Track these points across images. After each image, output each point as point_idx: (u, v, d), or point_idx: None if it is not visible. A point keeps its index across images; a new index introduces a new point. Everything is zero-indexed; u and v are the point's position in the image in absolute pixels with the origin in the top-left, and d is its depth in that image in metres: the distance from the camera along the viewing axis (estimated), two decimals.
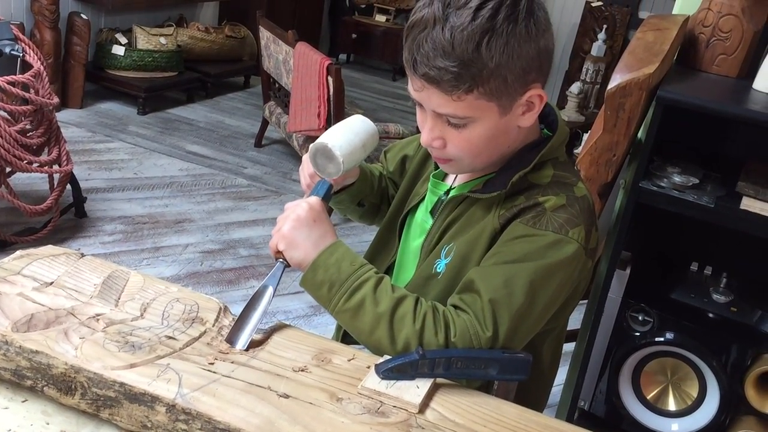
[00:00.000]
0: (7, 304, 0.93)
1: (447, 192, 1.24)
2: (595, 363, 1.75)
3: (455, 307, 1.04)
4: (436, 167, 1.27)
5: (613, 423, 1.74)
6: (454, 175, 1.25)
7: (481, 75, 0.98)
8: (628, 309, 1.69)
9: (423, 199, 1.29)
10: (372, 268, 1.06)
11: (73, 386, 0.84)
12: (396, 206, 1.35)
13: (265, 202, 3.86)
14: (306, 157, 1.21)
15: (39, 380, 0.86)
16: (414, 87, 1.05)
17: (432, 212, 1.24)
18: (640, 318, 1.68)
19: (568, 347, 2.49)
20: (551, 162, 1.14)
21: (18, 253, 1.05)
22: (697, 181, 1.56)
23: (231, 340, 0.96)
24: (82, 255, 1.08)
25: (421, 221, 1.28)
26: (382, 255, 1.35)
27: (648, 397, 1.71)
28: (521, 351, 0.98)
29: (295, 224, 1.08)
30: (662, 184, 1.55)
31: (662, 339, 1.65)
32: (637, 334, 1.68)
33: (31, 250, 1.07)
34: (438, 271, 1.16)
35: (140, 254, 3.12)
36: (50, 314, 0.92)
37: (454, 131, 1.06)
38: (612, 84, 1.50)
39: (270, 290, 1.03)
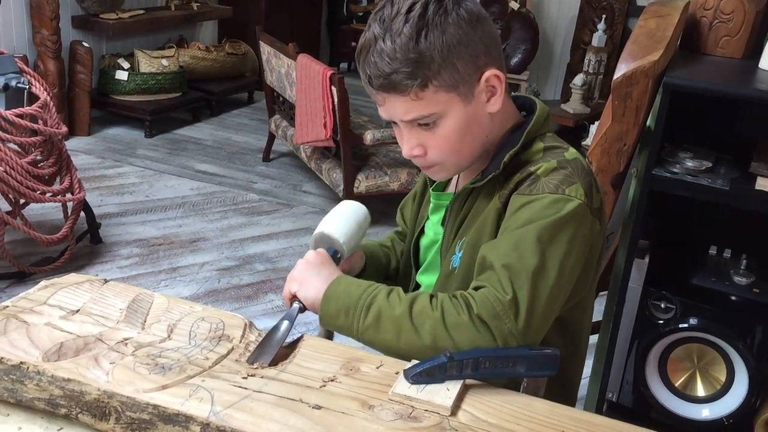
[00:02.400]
0: (36, 334, 0.94)
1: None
2: (620, 354, 1.75)
3: (474, 288, 1.05)
4: (432, 183, 1.30)
5: (643, 412, 1.74)
6: (455, 183, 1.28)
7: (431, 68, 1.04)
8: (650, 297, 1.68)
9: (428, 218, 1.33)
10: (380, 285, 1.09)
11: (107, 411, 0.85)
12: (408, 237, 1.39)
13: (278, 215, 3.87)
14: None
15: (73, 408, 0.86)
16: (378, 104, 1.11)
17: (443, 223, 1.27)
18: (662, 306, 1.67)
19: (592, 339, 2.49)
20: (539, 138, 1.17)
21: (42, 283, 1.07)
22: (710, 164, 1.56)
23: (252, 362, 0.97)
24: (106, 281, 1.09)
25: (434, 235, 1.30)
26: (404, 284, 1.38)
27: (676, 385, 1.70)
28: (548, 347, 0.98)
29: (305, 266, 1.14)
30: (675, 170, 1.54)
31: (686, 325, 1.64)
32: (661, 322, 1.67)
33: (55, 280, 1.08)
34: (454, 266, 1.19)
35: (158, 276, 3.14)
36: (79, 342, 0.93)
37: (429, 134, 1.10)
38: (618, 74, 1.50)
39: (287, 323, 1.04)
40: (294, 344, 1.02)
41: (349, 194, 3.62)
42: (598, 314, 2.28)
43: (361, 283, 1.09)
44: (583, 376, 2.01)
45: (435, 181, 1.30)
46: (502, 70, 1.12)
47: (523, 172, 1.12)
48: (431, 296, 1.05)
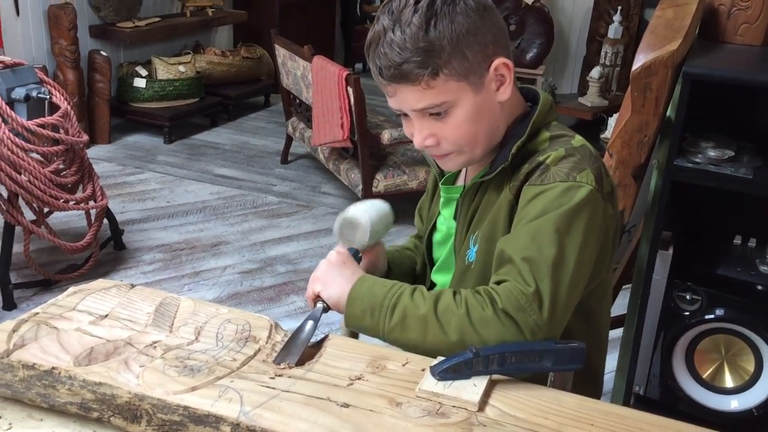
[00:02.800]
0: (66, 339, 0.95)
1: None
2: (646, 346, 1.74)
3: (496, 283, 1.05)
4: (442, 176, 1.30)
5: (670, 405, 1.72)
6: (464, 176, 1.29)
7: (441, 57, 1.05)
8: (675, 289, 1.67)
9: (440, 213, 1.33)
10: (404, 284, 1.09)
11: (138, 414, 0.86)
12: (423, 235, 1.40)
13: (298, 217, 3.89)
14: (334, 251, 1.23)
15: (105, 411, 0.88)
16: (389, 95, 1.12)
17: (455, 217, 1.27)
18: (687, 297, 1.66)
19: (617, 333, 2.47)
20: (545, 127, 1.18)
21: (71, 289, 1.08)
22: (732, 153, 1.54)
23: (279, 362, 0.97)
24: (132, 286, 1.10)
25: (446, 230, 1.31)
26: (425, 284, 1.38)
27: (704, 376, 1.69)
28: (574, 340, 0.98)
29: (327, 266, 1.15)
30: (697, 160, 1.53)
31: (713, 316, 1.62)
32: (687, 313, 1.66)
33: (83, 286, 1.09)
34: (470, 260, 1.19)
35: (181, 280, 3.16)
36: (109, 346, 0.94)
37: (440, 123, 1.11)
38: (636, 65, 1.49)
39: (311, 323, 1.05)
40: (319, 344, 1.03)
41: (368, 194, 3.63)
42: (622, 308, 2.28)
43: (385, 282, 1.10)
44: (609, 370, 1.99)
45: (444, 176, 1.31)
46: (510, 60, 1.12)
47: (531, 163, 1.13)
48: (454, 293, 1.05)
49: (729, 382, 1.67)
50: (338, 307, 1.11)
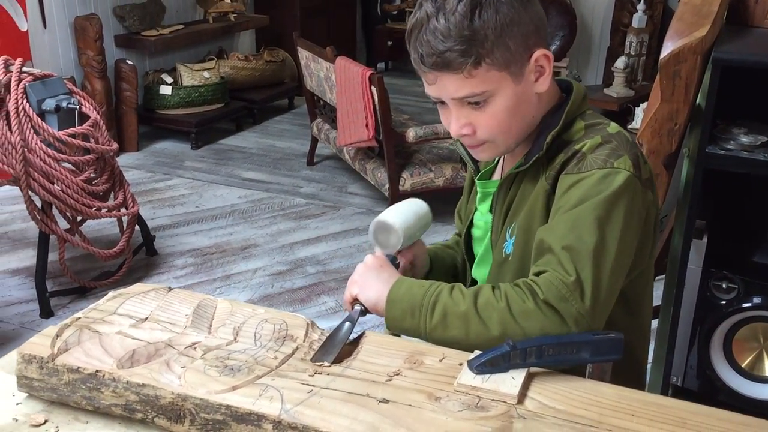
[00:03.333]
0: (109, 343, 0.97)
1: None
2: (682, 337, 1.72)
3: (535, 274, 1.05)
4: (477, 172, 1.30)
5: (709, 395, 1.70)
6: (500, 170, 1.29)
7: (484, 46, 1.05)
8: (711, 278, 1.65)
9: (476, 209, 1.33)
10: (441, 283, 1.09)
11: (181, 414, 0.88)
12: (462, 232, 1.40)
13: (325, 218, 3.91)
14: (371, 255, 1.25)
15: (149, 412, 0.89)
16: (428, 82, 1.12)
17: (491, 211, 1.27)
18: (723, 286, 1.64)
19: (653, 324, 2.45)
20: (579, 117, 1.18)
21: (110, 294, 1.10)
22: (766, 138, 1.52)
23: (316, 360, 0.98)
24: (170, 289, 1.12)
25: (484, 224, 1.31)
26: (465, 282, 1.39)
27: (743, 365, 1.66)
28: (612, 330, 0.97)
29: (364, 270, 1.15)
30: (729, 147, 1.51)
31: (750, 304, 1.60)
32: (723, 302, 1.64)
33: (122, 290, 1.11)
34: (507, 253, 1.19)
35: (212, 284, 3.19)
36: (150, 348, 0.96)
37: (478, 112, 1.11)
38: (664, 52, 1.48)
39: (348, 324, 1.05)
40: (356, 341, 1.03)
41: (395, 193, 3.63)
42: (656, 299, 2.25)
43: (422, 283, 1.10)
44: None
45: (480, 173, 1.31)
46: (550, 51, 1.12)
47: (567, 152, 1.12)
48: (493, 287, 1.05)
49: None
50: (376, 309, 1.11)
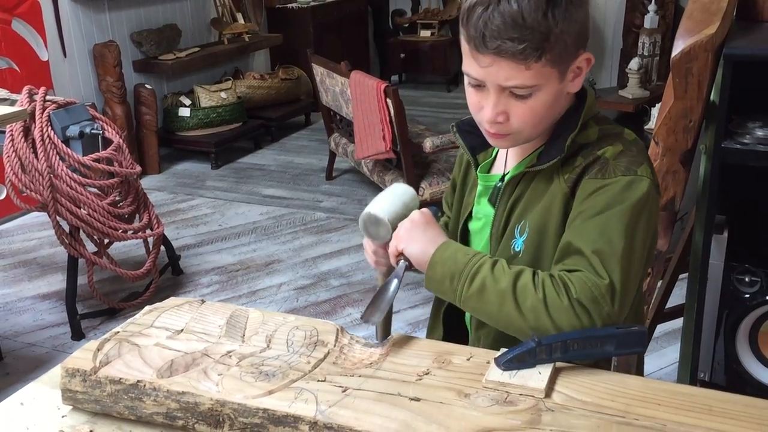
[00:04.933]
0: (147, 354, 1.01)
1: (502, 178, 1.26)
2: (708, 332, 1.73)
3: (568, 271, 1.07)
4: (476, 166, 1.30)
5: (737, 389, 1.70)
6: (503, 163, 1.28)
7: (549, 41, 1.05)
8: (733, 272, 1.66)
9: (476, 202, 1.33)
10: (486, 255, 1.11)
11: (221, 419, 0.91)
12: (453, 223, 1.39)
13: (347, 231, 3.94)
14: (365, 242, 1.27)
15: (189, 419, 0.93)
16: (481, 64, 1.08)
17: (491, 201, 1.27)
18: (746, 279, 1.65)
19: (677, 323, 2.44)
20: (593, 119, 1.19)
21: (146, 308, 1.14)
22: None
23: (367, 319, 1.05)
24: (203, 302, 1.16)
25: (484, 218, 1.30)
26: None
27: None
28: (635, 324, 0.99)
29: (410, 225, 1.16)
30: (745, 141, 1.53)
31: None
32: (747, 295, 1.65)
33: (157, 304, 1.15)
34: (517, 250, 1.19)
35: (238, 300, 3.24)
36: (187, 358, 1.00)
37: (519, 102, 1.11)
38: (675, 51, 1.50)
39: (396, 280, 1.09)
40: (387, 344, 1.06)
41: None
42: (680, 298, 2.26)
43: (468, 250, 1.12)
44: (672, 362, 1.94)
45: (479, 164, 1.31)
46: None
47: (586, 156, 1.14)
48: (534, 273, 1.07)
49: None
50: (420, 264, 1.13)
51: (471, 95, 1.16)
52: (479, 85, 1.12)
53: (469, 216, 1.34)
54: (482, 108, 1.13)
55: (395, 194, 1.26)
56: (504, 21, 1.03)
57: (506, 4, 1.03)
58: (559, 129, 1.18)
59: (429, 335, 1.41)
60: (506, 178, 1.24)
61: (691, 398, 0.90)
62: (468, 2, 1.07)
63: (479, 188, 1.31)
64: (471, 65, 1.10)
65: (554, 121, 1.17)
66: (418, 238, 1.13)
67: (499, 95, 1.11)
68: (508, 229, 1.21)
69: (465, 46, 1.11)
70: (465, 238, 1.35)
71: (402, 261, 1.15)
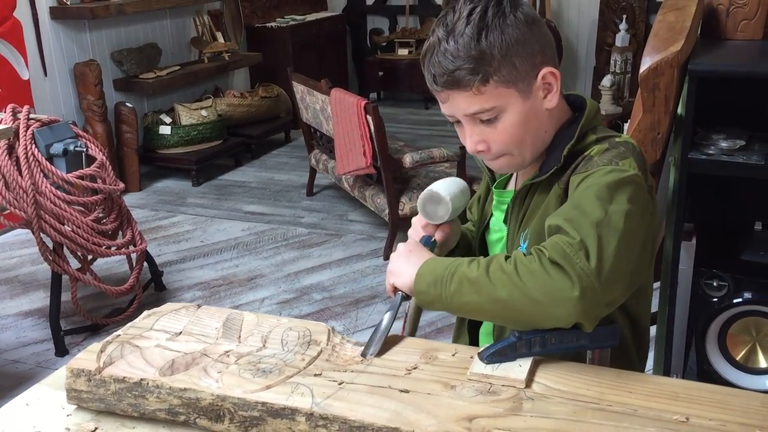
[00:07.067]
0: (149, 355, 1.06)
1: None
2: (679, 336, 1.81)
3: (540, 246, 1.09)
4: (494, 180, 1.38)
5: None
6: (515, 181, 1.37)
7: (491, 64, 1.14)
8: (702, 277, 1.74)
9: (492, 215, 1.40)
10: (464, 258, 1.14)
11: (221, 413, 0.96)
12: (475, 231, 1.46)
13: (328, 245, 4.00)
14: (415, 220, 1.33)
15: (191, 414, 0.98)
16: (441, 101, 1.20)
17: (505, 221, 1.34)
18: (714, 284, 1.73)
19: (651, 331, 2.52)
20: (591, 131, 1.25)
21: (145, 313, 1.19)
22: (744, 142, 1.62)
23: (364, 353, 1.09)
24: (199, 306, 1.21)
25: (499, 230, 1.38)
26: None
27: (737, 359, 1.75)
28: (608, 322, 1.06)
29: (396, 258, 1.22)
30: (710, 152, 1.61)
31: (740, 300, 1.69)
32: (715, 299, 1.73)
33: (155, 309, 1.20)
34: None
35: None
36: (188, 357, 1.05)
37: (490, 128, 1.19)
38: (643, 67, 1.59)
39: (390, 313, 1.14)
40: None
41: (395, 218, 3.73)
42: (653, 306, 2.33)
43: (449, 259, 1.15)
44: (647, 368, 1.99)
45: (496, 180, 1.38)
46: (558, 69, 1.21)
47: (578, 159, 1.20)
48: (506, 256, 1.09)
49: (762, 362, 1.73)
50: (412, 291, 1.16)
51: (457, 131, 1.25)
52: (456, 122, 1.23)
53: (487, 227, 1.42)
54: (466, 141, 1.23)
55: (455, 182, 1.33)
56: (446, 58, 1.14)
57: (445, 43, 1.15)
58: (557, 141, 1.25)
59: (455, 342, 1.47)
60: (512, 195, 1.31)
61: (660, 386, 0.98)
62: (422, 52, 1.20)
63: (494, 202, 1.40)
64: (440, 104, 1.22)
65: (545, 139, 1.24)
66: (404, 268, 1.17)
67: (471, 126, 1.20)
68: (516, 240, 1.28)
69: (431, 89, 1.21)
70: (483, 249, 1.43)
71: (399, 293, 1.18)
